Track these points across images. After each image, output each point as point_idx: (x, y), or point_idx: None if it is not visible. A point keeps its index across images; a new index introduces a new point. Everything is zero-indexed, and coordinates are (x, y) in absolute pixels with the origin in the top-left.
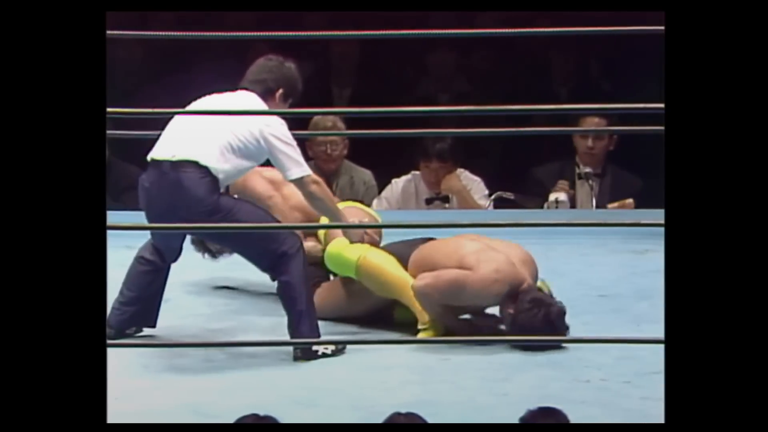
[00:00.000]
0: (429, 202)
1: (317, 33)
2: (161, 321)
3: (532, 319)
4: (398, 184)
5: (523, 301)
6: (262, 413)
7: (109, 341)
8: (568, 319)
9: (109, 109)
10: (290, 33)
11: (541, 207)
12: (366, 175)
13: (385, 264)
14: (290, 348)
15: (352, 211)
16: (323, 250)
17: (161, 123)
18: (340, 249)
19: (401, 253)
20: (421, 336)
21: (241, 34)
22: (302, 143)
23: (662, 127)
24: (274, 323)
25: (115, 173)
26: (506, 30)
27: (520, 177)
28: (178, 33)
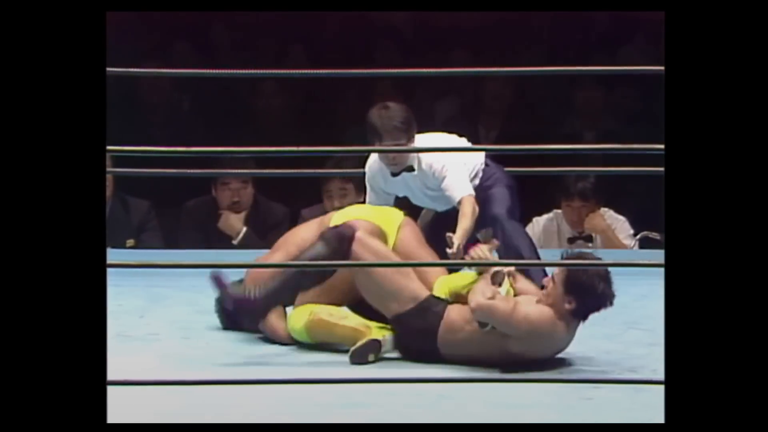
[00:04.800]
0: (571, 241)
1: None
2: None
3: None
4: (539, 222)
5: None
6: None
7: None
8: None
9: (109, 147)
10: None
11: None
12: None
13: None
14: None
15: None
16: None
17: None
18: (293, 324)
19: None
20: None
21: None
22: None
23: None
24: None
25: (262, 212)
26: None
27: None
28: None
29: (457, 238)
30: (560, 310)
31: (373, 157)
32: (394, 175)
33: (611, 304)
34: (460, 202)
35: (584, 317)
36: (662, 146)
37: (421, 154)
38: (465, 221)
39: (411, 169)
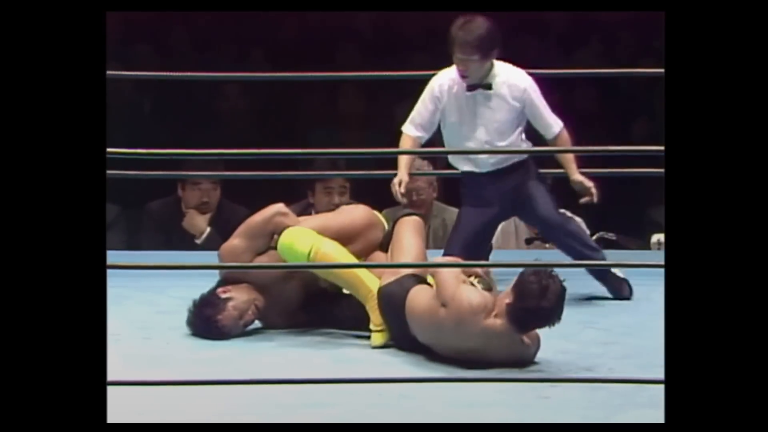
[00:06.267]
0: (529, 242)
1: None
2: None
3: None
4: None
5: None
6: None
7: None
8: None
9: (109, 149)
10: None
11: (648, 248)
12: None
13: (338, 256)
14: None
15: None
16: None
17: None
18: (293, 240)
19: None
20: (374, 338)
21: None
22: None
23: (662, 170)
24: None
25: (226, 214)
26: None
27: (623, 218)
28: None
29: (580, 176)
30: (501, 305)
31: (449, 71)
32: (471, 89)
33: (551, 324)
34: (557, 136)
35: (520, 324)
36: (662, 147)
37: (504, 74)
38: (573, 161)
39: (488, 87)
